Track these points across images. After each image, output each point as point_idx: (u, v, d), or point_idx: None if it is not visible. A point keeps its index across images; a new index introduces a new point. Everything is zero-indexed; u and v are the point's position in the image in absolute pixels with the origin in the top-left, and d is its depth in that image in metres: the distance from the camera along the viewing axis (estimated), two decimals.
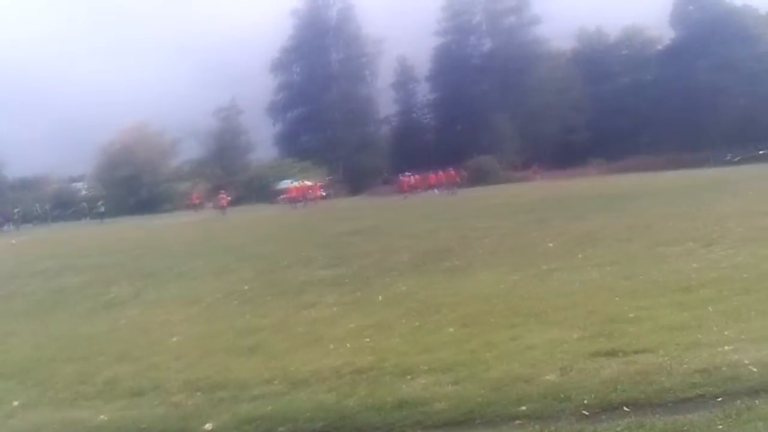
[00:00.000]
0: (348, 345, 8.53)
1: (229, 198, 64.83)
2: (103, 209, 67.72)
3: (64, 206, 76.00)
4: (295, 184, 69.03)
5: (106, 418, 6.86)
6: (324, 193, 70.48)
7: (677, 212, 20.12)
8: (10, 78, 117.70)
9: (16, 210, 63.08)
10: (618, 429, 5.28)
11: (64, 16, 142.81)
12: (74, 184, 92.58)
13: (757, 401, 5.46)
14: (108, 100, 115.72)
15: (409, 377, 6.96)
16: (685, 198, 25.40)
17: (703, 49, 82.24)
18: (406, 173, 68.43)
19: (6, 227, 55.80)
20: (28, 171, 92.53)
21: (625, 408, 5.64)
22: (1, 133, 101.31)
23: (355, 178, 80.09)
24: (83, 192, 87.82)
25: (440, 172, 64.70)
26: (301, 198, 62.87)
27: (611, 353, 6.94)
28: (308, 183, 71.64)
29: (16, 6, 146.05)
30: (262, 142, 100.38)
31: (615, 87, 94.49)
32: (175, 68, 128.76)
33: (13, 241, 38.39)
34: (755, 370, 6.03)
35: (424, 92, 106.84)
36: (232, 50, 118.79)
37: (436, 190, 62.72)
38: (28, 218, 66.18)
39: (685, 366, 6.34)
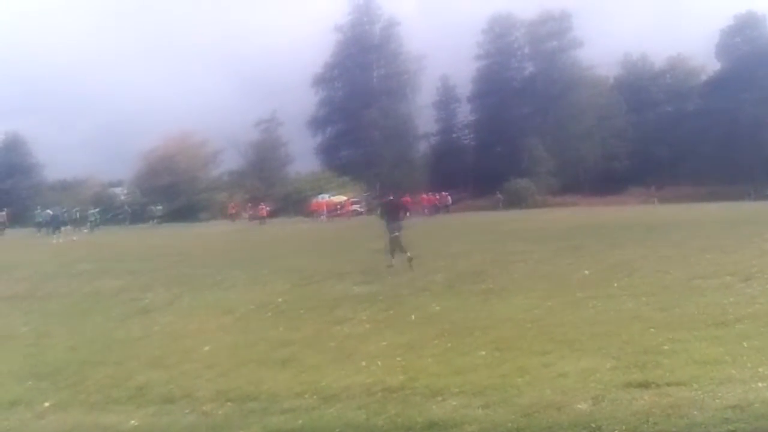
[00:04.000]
0: (379, 363, 8.55)
1: (268, 209, 65.38)
2: (160, 213, 70.26)
3: (107, 210, 77.04)
4: (322, 198, 70.50)
5: (136, 424, 6.93)
6: (360, 209, 70.62)
7: (716, 245, 19.87)
8: (53, 80, 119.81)
9: (95, 210, 64.54)
10: None
11: (110, 22, 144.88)
12: (113, 189, 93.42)
13: None
14: (151, 107, 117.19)
15: (439, 398, 6.95)
16: (724, 231, 25.11)
17: (748, 81, 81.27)
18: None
19: (81, 228, 57.29)
20: (67, 173, 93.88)
21: None
22: (42, 134, 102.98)
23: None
24: (122, 197, 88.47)
25: (423, 196, 66.05)
26: (323, 212, 64.84)
27: (644, 385, 6.89)
28: (340, 198, 72.25)
29: (61, 10, 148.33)
30: (302, 155, 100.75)
31: (657, 116, 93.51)
32: (220, 79, 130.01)
33: (60, 240, 39.05)
34: None
35: (464, 113, 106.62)
36: (275, 63, 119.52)
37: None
38: (105, 220, 67.56)
39: (717, 401, 6.28)
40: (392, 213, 20.17)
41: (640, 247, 20.32)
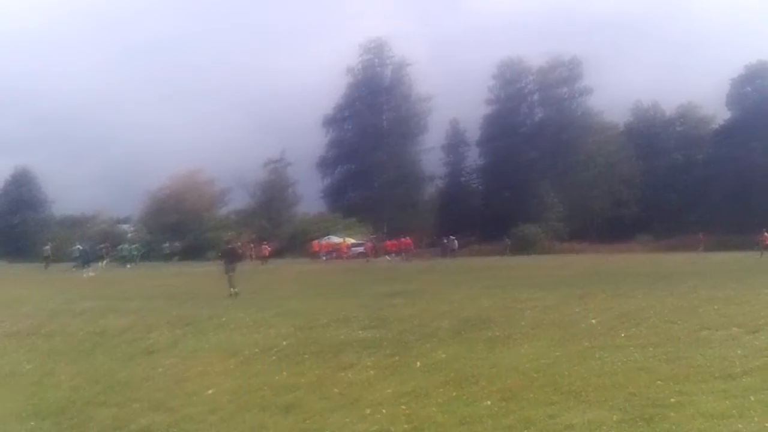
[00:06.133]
0: (384, 411, 8.47)
1: (270, 249, 65.67)
2: (168, 251, 73.39)
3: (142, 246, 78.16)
4: (323, 240, 73.17)
5: None
6: (365, 251, 70.87)
7: (724, 295, 19.70)
8: (64, 115, 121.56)
9: (133, 246, 65.66)
10: None
11: (123, 60, 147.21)
12: (121, 226, 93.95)
13: None
14: (160, 145, 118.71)
15: None
16: (732, 281, 24.94)
17: (758, 130, 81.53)
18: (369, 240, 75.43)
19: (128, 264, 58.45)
20: (75, 209, 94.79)
21: None
22: (51, 169, 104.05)
23: (399, 238, 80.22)
24: (129, 234, 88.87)
25: (398, 239, 69.14)
26: (323, 253, 69.02)
27: None
28: (338, 240, 73.20)
29: (74, 47, 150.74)
30: (309, 195, 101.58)
31: (667, 163, 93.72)
32: (230, 118, 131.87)
33: (92, 274, 39.85)
34: None
35: (473, 157, 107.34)
36: (286, 104, 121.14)
37: (387, 257, 65.62)
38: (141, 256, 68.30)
39: None
40: (229, 257, 26.73)
41: (648, 296, 20.19)
